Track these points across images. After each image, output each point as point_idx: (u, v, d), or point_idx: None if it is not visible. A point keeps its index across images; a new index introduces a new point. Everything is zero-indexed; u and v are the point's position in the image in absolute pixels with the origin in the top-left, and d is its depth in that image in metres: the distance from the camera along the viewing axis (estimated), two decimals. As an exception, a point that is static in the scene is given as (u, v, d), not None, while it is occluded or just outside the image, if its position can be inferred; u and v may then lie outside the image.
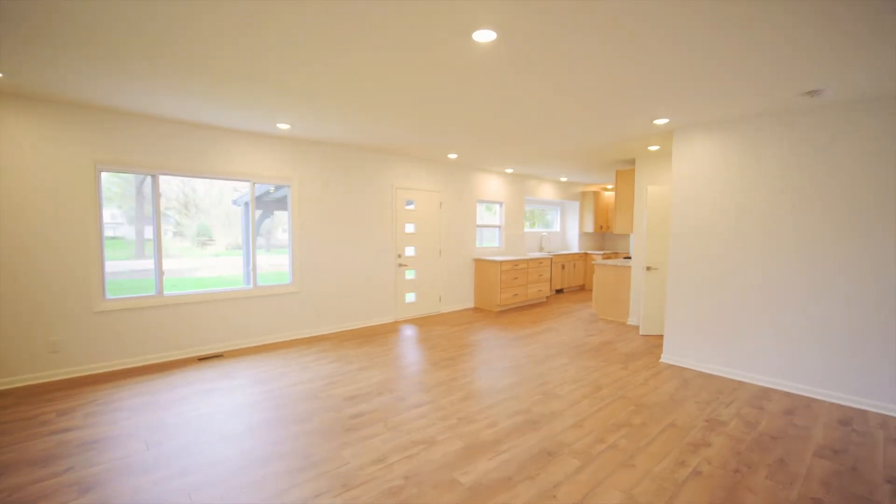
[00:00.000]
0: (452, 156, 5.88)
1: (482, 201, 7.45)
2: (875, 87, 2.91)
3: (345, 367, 4.10)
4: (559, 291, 8.97)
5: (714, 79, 2.82)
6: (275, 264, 5.36)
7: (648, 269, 5.35)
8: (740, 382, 3.80)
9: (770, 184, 3.68)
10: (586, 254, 9.41)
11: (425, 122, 4.10)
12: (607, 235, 10.53)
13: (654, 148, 5.18)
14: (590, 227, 9.60)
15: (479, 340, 5.12)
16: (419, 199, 6.38)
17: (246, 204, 6.45)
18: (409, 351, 4.65)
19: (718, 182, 3.98)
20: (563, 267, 8.82)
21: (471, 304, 7.25)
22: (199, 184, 4.63)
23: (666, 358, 4.38)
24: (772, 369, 3.70)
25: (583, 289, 9.47)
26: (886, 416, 3.14)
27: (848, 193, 3.31)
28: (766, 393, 3.57)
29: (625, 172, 6.19)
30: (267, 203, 6.53)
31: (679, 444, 2.72)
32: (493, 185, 7.54)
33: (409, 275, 6.33)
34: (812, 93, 2.99)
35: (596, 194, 9.48)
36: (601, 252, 9.33)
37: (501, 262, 6.82)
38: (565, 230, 10.01)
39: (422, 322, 6.09)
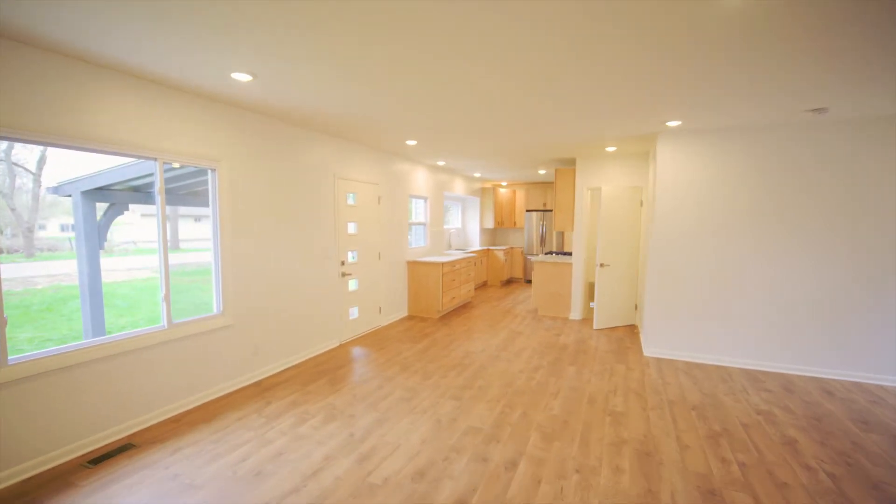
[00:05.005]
0: (411, 142, 4.99)
1: (413, 196, 6.66)
2: (868, 111, 3.51)
3: (350, 426, 2.98)
4: (470, 289, 8.83)
5: (724, 94, 2.94)
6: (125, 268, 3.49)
7: (601, 265, 5.58)
8: (725, 367, 4.23)
9: (745, 186, 4.15)
10: (488, 250, 9.51)
11: (438, 102, 3.25)
12: (499, 231, 10.89)
13: (611, 149, 5.38)
14: (490, 223, 9.73)
15: (465, 357, 4.48)
16: (360, 192, 5.25)
17: (85, 193, 4.35)
18: (403, 385, 3.72)
19: (699, 184, 4.31)
20: (474, 264, 8.68)
21: (404, 313, 6.42)
22: None
23: (649, 352, 4.60)
24: (746, 353, 4.22)
25: (486, 285, 9.55)
26: (842, 381, 3.90)
27: (810, 199, 3.96)
28: (752, 375, 4.04)
29: (565, 171, 6.32)
30: (118, 194, 4.57)
31: (774, 445, 2.77)
32: (421, 178, 6.81)
33: (352, 285, 5.17)
34: (818, 110, 3.42)
35: (494, 190, 9.64)
36: (501, 248, 9.55)
37: (443, 263, 6.22)
38: (466, 226, 9.93)
39: (371, 341, 5.05)
